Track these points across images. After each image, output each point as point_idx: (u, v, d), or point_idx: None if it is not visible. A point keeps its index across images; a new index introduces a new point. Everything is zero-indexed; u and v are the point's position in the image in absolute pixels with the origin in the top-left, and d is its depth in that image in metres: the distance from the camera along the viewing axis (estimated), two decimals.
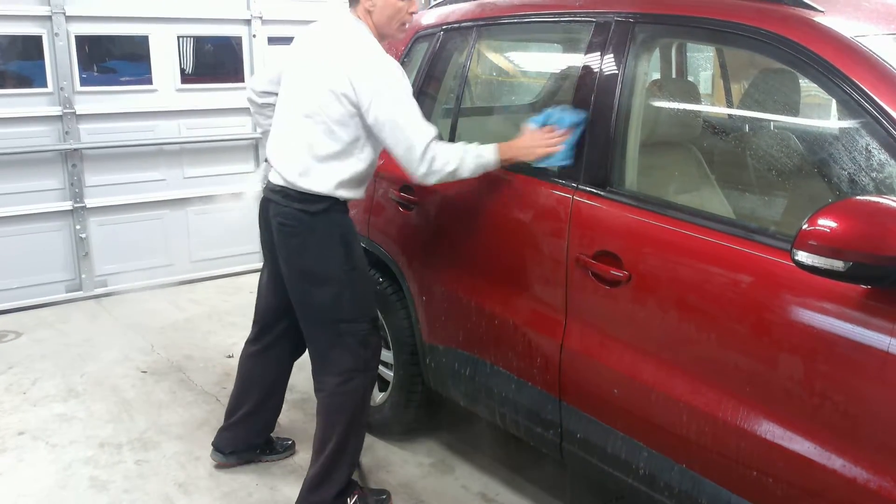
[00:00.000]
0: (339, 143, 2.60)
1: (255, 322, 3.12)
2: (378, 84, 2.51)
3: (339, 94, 2.54)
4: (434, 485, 3.13)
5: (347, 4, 2.72)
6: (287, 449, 3.32)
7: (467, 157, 2.54)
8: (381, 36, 2.70)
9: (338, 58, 2.56)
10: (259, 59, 5.68)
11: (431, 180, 2.56)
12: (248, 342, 3.14)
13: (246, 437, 3.20)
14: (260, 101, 3.00)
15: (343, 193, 2.67)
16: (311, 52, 2.68)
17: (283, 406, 3.56)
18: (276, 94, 2.86)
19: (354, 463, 2.87)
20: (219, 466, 3.21)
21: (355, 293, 2.73)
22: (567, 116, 2.51)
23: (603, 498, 3.02)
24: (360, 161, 2.66)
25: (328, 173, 2.62)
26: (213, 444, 3.23)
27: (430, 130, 2.54)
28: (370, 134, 2.62)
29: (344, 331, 2.73)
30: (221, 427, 3.23)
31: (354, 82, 2.51)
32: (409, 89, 2.56)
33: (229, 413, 3.20)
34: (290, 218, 2.68)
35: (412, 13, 2.69)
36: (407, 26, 2.75)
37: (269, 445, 3.29)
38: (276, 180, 2.72)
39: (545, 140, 2.53)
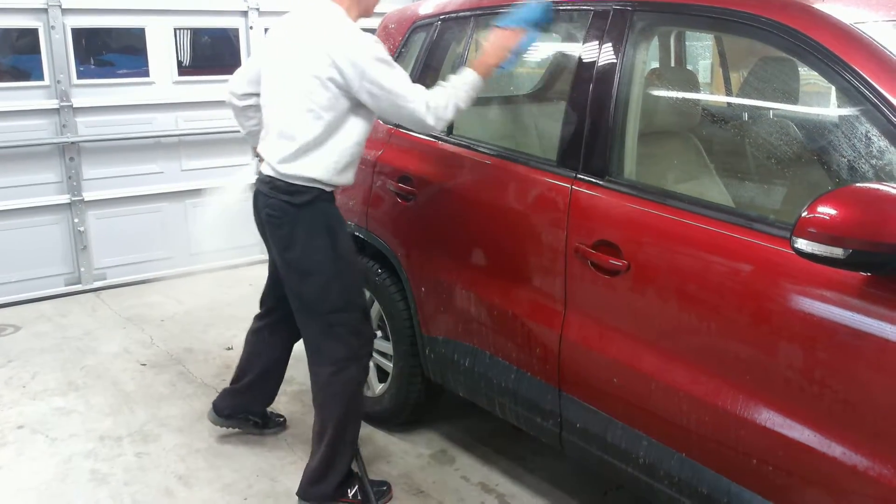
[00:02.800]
0: (326, 126, 2.60)
1: (261, 300, 3.23)
2: (363, 63, 2.51)
3: (324, 79, 2.54)
4: (434, 475, 3.14)
5: None
6: (278, 425, 3.42)
7: (459, 91, 2.58)
8: (357, 15, 2.71)
9: (317, 42, 2.56)
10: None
11: (442, 126, 2.60)
12: (256, 317, 3.26)
13: (246, 404, 3.32)
14: (241, 103, 2.98)
15: (335, 180, 2.67)
16: (290, 40, 2.67)
17: (283, 398, 3.61)
18: (258, 95, 2.85)
19: (353, 452, 2.89)
20: (214, 425, 3.35)
21: (343, 283, 2.73)
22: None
23: (602, 487, 3.02)
24: (347, 141, 2.64)
25: (318, 159, 2.63)
26: (214, 403, 3.33)
27: (420, 88, 2.57)
28: (357, 113, 2.63)
29: (334, 321, 2.74)
30: (225, 390, 3.34)
31: (340, 65, 2.52)
32: (390, 56, 2.58)
33: (234, 380, 3.31)
34: (276, 209, 2.69)
35: None
36: (375, 6, 2.78)
37: (264, 418, 3.39)
38: (266, 171, 2.73)
39: (511, 37, 2.62)
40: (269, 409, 3.42)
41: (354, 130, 2.66)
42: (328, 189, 2.69)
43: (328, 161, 2.64)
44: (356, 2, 2.70)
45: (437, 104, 2.55)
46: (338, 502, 2.85)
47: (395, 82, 2.53)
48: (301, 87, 2.58)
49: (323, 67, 2.53)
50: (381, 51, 2.56)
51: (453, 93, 2.58)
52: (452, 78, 2.62)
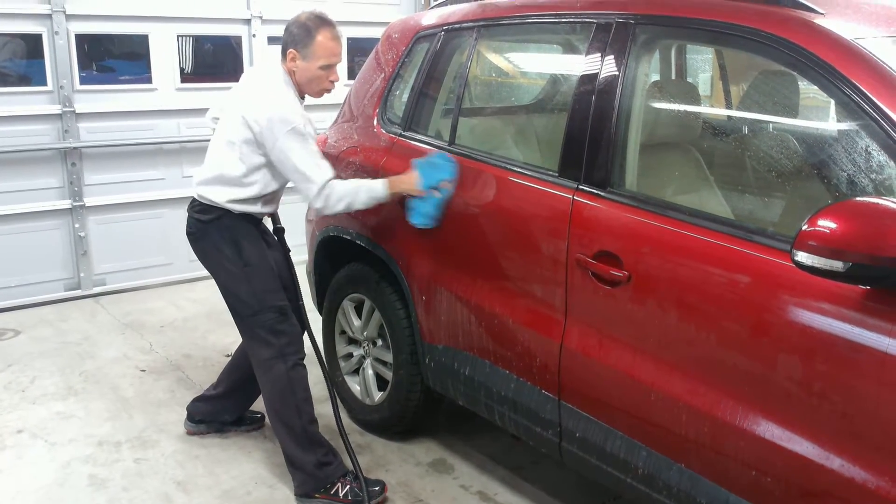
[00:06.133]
0: (244, 166, 2.88)
1: None
2: (277, 134, 2.77)
3: (246, 131, 2.84)
4: (433, 484, 3.14)
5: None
6: (255, 422, 3.54)
7: (360, 193, 2.87)
8: (301, 89, 2.94)
9: (252, 100, 2.86)
10: (259, 59, 5.68)
11: (326, 213, 2.96)
12: None
13: (216, 412, 3.46)
14: (214, 126, 3.24)
15: (235, 207, 2.93)
16: (242, 90, 2.99)
17: None
18: None
19: (311, 442, 3.00)
20: (188, 433, 3.48)
21: (252, 288, 2.96)
22: (446, 167, 2.88)
23: (600, 498, 3.03)
24: (255, 186, 2.92)
25: (225, 190, 2.92)
26: (187, 408, 3.50)
27: (327, 172, 2.84)
28: (271, 165, 2.90)
29: (254, 324, 2.98)
30: (196, 397, 3.51)
31: (259, 127, 2.80)
32: (307, 134, 2.81)
33: (212, 386, 3.49)
34: (191, 226, 3.04)
35: (333, 81, 2.94)
36: (328, 92, 2.99)
37: (238, 420, 3.52)
38: (193, 193, 3.04)
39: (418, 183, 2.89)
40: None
41: (263, 181, 2.93)
42: (236, 211, 2.94)
43: (230, 196, 2.92)
44: (303, 83, 2.91)
45: (333, 193, 2.83)
46: (314, 498, 2.98)
47: (302, 158, 2.79)
48: (234, 130, 2.87)
49: (247, 121, 2.82)
50: (297, 127, 2.78)
51: (354, 193, 2.86)
52: (364, 181, 2.92)
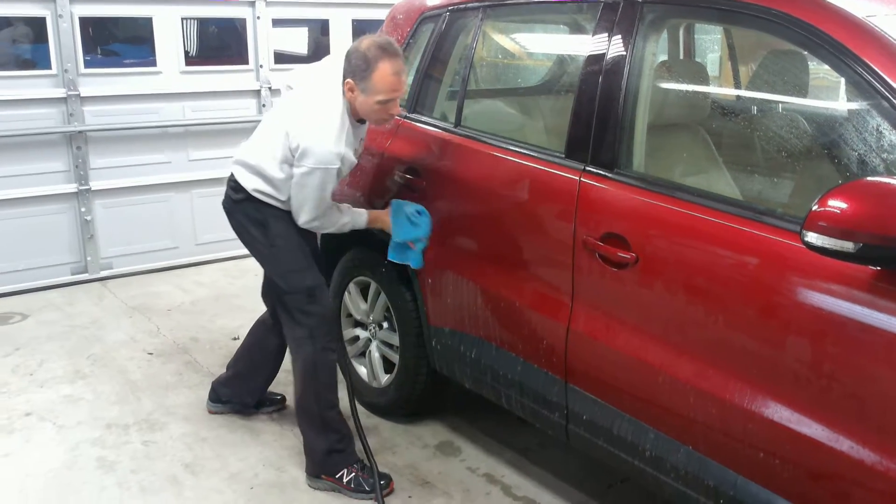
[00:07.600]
0: (283, 174, 2.85)
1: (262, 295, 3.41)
2: (304, 162, 2.75)
3: (284, 151, 2.82)
4: (440, 466, 3.15)
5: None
6: (275, 403, 3.56)
7: (345, 227, 3.01)
8: (359, 116, 2.85)
9: (302, 120, 2.79)
10: (263, 41, 5.65)
11: (307, 228, 2.96)
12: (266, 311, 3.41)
13: (237, 393, 3.48)
14: (286, 90, 3.13)
15: (260, 197, 2.92)
16: (303, 96, 2.90)
17: (290, 389, 3.59)
18: None
19: (325, 428, 3.00)
20: (212, 413, 3.52)
21: (281, 268, 2.98)
22: (423, 225, 2.96)
23: (607, 480, 3.03)
24: (286, 194, 2.91)
25: (255, 180, 2.90)
26: (210, 390, 3.54)
27: (321, 206, 2.86)
28: None
29: (286, 302, 2.99)
30: (218, 380, 3.53)
31: (296, 145, 2.76)
32: (329, 179, 2.78)
33: (229, 367, 3.50)
34: (225, 200, 3.06)
35: (392, 114, 2.84)
36: (387, 122, 2.94)
37: (259, 403, 3.53)
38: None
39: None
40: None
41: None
42: (262, 200, 2.92)
43: (265, 189, 2.90)
44: (361, 111, 2.80)
45: (322, 222, 2.93)
46: (321, 479, 2.98)
47: (312, 192, 2.80)
48: (274, 138, 2.84)
49: (287, 143, 2.80)
50: (327, 165, 2.74)
51: (340, 226, 3.00)
52: (350, 214, 3.02)
